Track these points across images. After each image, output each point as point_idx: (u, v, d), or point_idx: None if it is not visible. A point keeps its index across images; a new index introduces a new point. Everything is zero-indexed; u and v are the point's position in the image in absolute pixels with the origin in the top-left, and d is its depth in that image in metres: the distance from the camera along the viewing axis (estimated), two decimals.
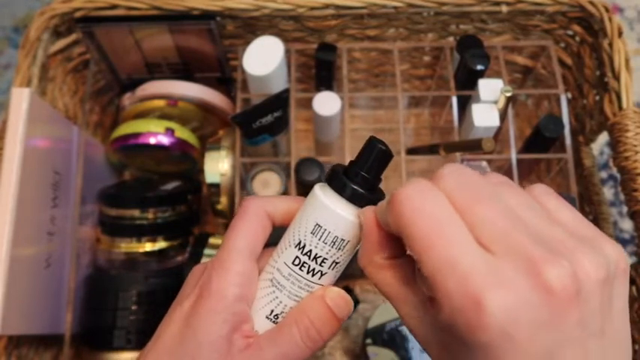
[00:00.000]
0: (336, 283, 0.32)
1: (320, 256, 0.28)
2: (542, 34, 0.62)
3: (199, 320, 0.28)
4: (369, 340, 0.59)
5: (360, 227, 0.27)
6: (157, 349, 0.29)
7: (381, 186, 0.30)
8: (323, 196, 0.28)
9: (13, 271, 0.45)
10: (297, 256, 0.29)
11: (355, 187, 0.27)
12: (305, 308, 0.29)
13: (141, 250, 0.56)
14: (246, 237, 0.29)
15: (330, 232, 0.27)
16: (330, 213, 0.27)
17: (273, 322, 0.30)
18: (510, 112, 0.56)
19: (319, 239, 0.28)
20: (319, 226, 0.28)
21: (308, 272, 0.29)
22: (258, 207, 0.30)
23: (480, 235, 0.21)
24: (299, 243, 0.28)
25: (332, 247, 0.28)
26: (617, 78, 0.52)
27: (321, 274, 0.29)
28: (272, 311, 0.30)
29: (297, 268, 0.29)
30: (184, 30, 0.56)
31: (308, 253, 0.28)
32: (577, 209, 0.52)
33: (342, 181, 0.27)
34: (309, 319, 0.29)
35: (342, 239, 0.28)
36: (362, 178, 0.27)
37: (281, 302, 0.30)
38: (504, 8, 0.57)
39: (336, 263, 0.29)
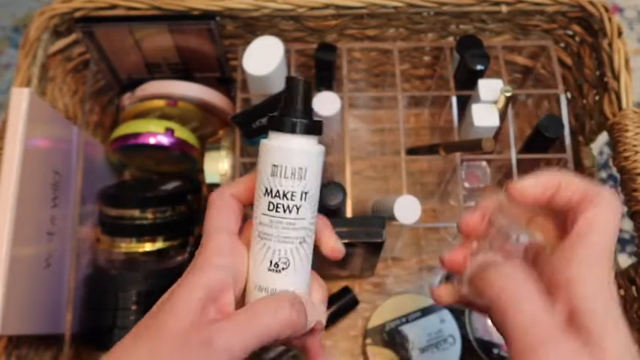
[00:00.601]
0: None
1: (288, 191, 0.31)
2: (542, 34, 0.62)
3: (177, 290, 0.30)
4: (369, 340, 0.59)
5: (315, 154, 0.31)
6: (140, 322, 0.31)
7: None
8: (267, 140, 0.31)
9: (13, 271, 0.45)
10: (269, 202, 0.31)
11: (292, 119, 0.30)
12: (274, 303, 0.31)
13: (141, 250, 0.56)
14: (218, 219, 0.33)
15: (286, 167, 0.30)
16: (278, 150, 0.30)
17: (276, 271, 0.32)
18: (510, 112, 0.56)
19: (280, 176, 0.30)
20: (275, 165, 0.31)
21: (285, 211, 0.31)
22: (221, 193, 0.34)
23: None
24: (266, 189, 0.31)
25: (293, 178, 0.30)
26: (616, 78, 0.52)
27: (297, 209, 0.31)
28: (271, 262, 0.32)
29: (274, 212, 0.31)
30: (184, 30, 0.56)
31: (277, 194, 0.31)
32: None
33: (277, 119, 0.31)
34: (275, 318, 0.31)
35: (299, 168, 0.30)
36: (294, 111, 0.31)
37: (275, 250, 0.32)
38: (504, 8, 0.57)
39: (305, 193, 0.31)
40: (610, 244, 0.29)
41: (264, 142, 0.32)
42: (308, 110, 0.31)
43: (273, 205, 0.31)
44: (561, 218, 0.31)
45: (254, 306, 0.31)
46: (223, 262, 0.31)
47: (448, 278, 0.62)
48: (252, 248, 0.33)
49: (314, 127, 0.31)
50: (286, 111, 0.31)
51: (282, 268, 0.32)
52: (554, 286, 0.28)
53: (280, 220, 0.31)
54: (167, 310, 0.29)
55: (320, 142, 0.33)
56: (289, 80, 0.31)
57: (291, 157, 0.30)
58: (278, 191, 0.31)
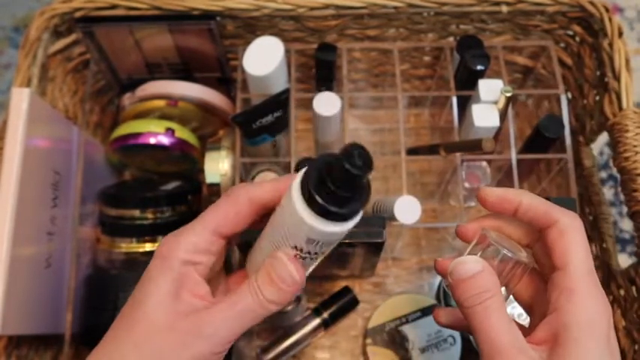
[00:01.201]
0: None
1: (316, 253, 0.31)
2: (542, 34, 0.62)
3: (148, 277, 0.31)
4: (369, 340, 0.59)
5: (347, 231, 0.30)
6: (118, 317, 0.31)
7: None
8: (305, 211, 0.28)
9: (13, 271, 0.45)
10: (296, 254, 0.31)
11: (337, 210, 0.27)
12: (257, 273, 0.32)
13: (141, 250, 0.55)
14: (215, 215, 0.32)
15: (323, 243, 0.30)
16: (317, 231, 0.28)
17: None
18: (510, 112, 0.56)
19: (315, 245, 0.30)
20: (312, 239, 0.29)
21: (304, 259, 0.32)
22: (242, 192, 0.33)
23: None
24: (296, 247, 0.30)
25: (328, 246, 0.31)
26: (617, 78, 0.52)
27: (317, 259, 0.33)
28: None
29: (297, 256, 0.32)
30: (184, 30, 0.56)
31: (307, 253, 0.31)
32: (577, 210, 0.52)
33: (324, 207, 0.27)
34: (257, 280, 0.31)
35: (329, 243, 0.31)
36: (334, 195, 0.27)
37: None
38: (504, 8, 0.57)
39: (324, 253, 0.32)
40: (590, 265, 0.31)
41: (302, 216, 0.28)
42: (352, 197, 0.28)
43: (300, 256, 0.31)
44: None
45: (237, 291, 0.31)
46: (195, 259, 0.32)
47: None
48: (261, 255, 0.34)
49: (357, 212, 0.29)
50: (331, 193, 0.27)
51: (301, 266, 0.33)
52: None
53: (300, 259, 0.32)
54: (142, 303, 0.30)
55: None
56: (339, 161, 0.25)
57: (330, 238, 0.30)
58: (309, 252, 0.31)
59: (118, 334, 0.30)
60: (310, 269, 0.34)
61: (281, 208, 0.30)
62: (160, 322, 0.29)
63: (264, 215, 0.34)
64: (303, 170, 0.28)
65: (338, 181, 0.26)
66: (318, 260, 0.33)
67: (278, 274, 0.31)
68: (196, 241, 0.32)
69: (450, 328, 0.40)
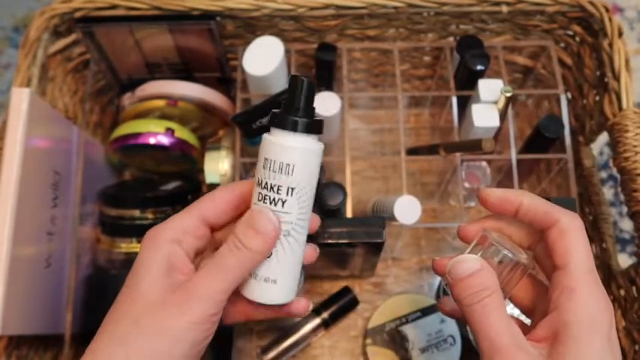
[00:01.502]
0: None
1: (274, 185, 0.32)
2: (542, 34, 0.62)
3: (140, 260, 0.32)
4: (369, 340, 0.59)
5: (307, 152, 0.32)
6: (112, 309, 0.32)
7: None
8: (267, 134, 0.33)
9: (13, 271, 0.45)
10: (259, 192, 0.33)
11: (287, 116, 0.32)
12: (234, 227, 0.33)
13: None
14: (201, 203, 0.35)
15: (274, 161, 0.32)
16: (271, 144, 0.32)
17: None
18: (510, 112, 0.56)
19: (269, 170, 0.32)
20: (266, 159, 0.32)
21: (271, 203, 0.32)
22: (229, 186, 0.35)
23: None
24: (258, 180, 0.33)
25: (280, 173, 0.32)
26: (617, 78, 0.52)
27: (282, 202, 0.32)
28: None
29: (261, 203, 0.33)
30: (184, 30, 0.56)
31: (265, 186, 0.32)
32: (577, 210, 0.52)
33: (277, 116, 0.32)
34: (236, 233, 0.32)
35: (287, 164, 0.32)
36: (291, 109, 0.32)
37: None
38: (504, 8, 0.57)
39: (292, 189, 0.32)
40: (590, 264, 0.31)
41: (264, 135, 0.33)
42: (307, 109, 0.32)
43: (262, 195, 0.32)
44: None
45: (219, 251, 0.32)
46: (180, 238, 0.34)
47: None
48: None
49: (312, 125, 0.32)
50: (286, 108, 0.32)
51: (277, 219, 0.33)
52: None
53: None
54: (136, 284, 0.32)
55: (319, 141, 0.33)
56: (292, 78, 0.32)
57: (280, 153, 0.32)
58: (267, 184, 0.32)
59: (116, 316, 0.31)
60: (299, 249, 0.34)
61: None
62: (154, 298, 0.31)
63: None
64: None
65: (293, 94, 0.32)
66: (297, 234, 0.33)
67: (256, 221, 0.32)
68: (182, 223, 0.34)
69: (452, 316, 0.39)
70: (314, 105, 0.32)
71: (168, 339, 0.30)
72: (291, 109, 0.32)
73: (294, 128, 0.32)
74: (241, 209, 0.35)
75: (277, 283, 0.34)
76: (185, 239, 0.33)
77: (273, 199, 0.32)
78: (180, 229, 0.33)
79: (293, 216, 0.33)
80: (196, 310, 0.30)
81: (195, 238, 0.34)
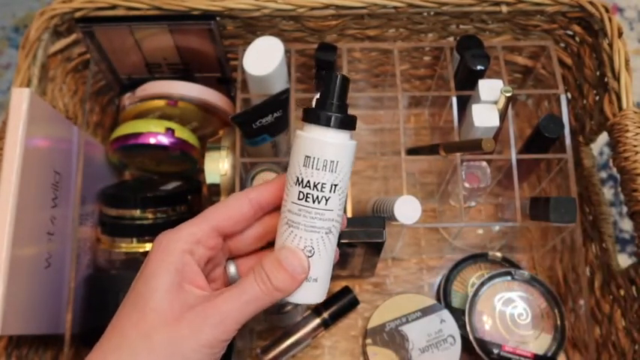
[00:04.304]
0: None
1: (318, 182, 0.32)
2: (542, 34, 0.62)
3: (150, 270, 0.31)
4: (369, 340, 0.59)
5: (347, 148, 0.32)
6: (118, 309, 0.32)
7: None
8: (302, 132, 0.32)
9: (13, 271, 0.45)
10: (299, 191, 0.32)
11: (327, 112, 0.31)
12: (263, 258, 0.33)
13: (141, 250, 0.55)
14: (217, 212, 0.34)
15: (318, 158, 0.31)
16: (312, 141, 0.31)
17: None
18: (510, 112, 0.56)
19: (312, 168, 0.31)
20: (308, 157, 0.31)
21: (314, 201, 0.32)
22: (242, 194, 0.34)
23: None
24: (297, 179, 0.32)
25: (325, 170, 0.31)
26: (617, 78, 0.52)
27: (326, 200, 0.32)
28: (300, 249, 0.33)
29: (303, 202, 0.32)
30: (184, 30, 0.56)
31: (307, 184, 0.32)
32: (577, 209, 0.52)
33: (315, 112, 0.32)
34: (264, 268, 0.32)
35: (331, 161, 0.31)
36: (330, 105, 0.32)
37: (302, 237, 0.32)
38: (504, 8, 0.57)
39: (335, 185, 0.32)
40: None
41: (299, 132, 0.32)
42: (343, 105, 0.32)
43: (303, 194, 0.32)
44: None
45: (243, 281, 0.32)
46: (193, 249, 0.33)
47: (448, 280, 0.62)
48: (279, 236, 0.34)
49: (348, 121, 0.32)
50: (322, 104, 0.32)
51: (307, 257, 0.33)
52: None
53: (309, 210, 0.32)
54: (147, 296, 0.31)
55: (352, 138, 0.33)
56: (328, 74, 0.32)
57: (324, 150, 0.31)
58: (309, 182, 0.32)
59: (123, 327, 0.30)
60: (331, 251, 0.34)
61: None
62: (167, 313, 0.30)
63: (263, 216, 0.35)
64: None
65: (331, 91, 0.32)
66: (333, 236, 0.33)
67: (289, 262, 0.31)
68: (195, 232, 0.33)
69: None
70: (347, 101, 0.33)
71: (179, 358, 0.29)
72: (330, 106, 0.32)
73: (336, 125, 0.32)
74: (257, 216, 0.35)
75: (318, 282, 0.33)
76: (197, 250, 0.33)
77: (317, 197, 0.32)
78: (194, 239, 0.32)
79: (334, 213, 0.33)
80: (209, 336, 0.30)
81: (207, 248, 0.33)
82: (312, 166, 0.31)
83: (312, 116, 0.32)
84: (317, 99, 0.32)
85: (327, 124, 0.31)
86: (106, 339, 0.31)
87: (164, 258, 0.31)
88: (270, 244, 0.36)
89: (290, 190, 0.33)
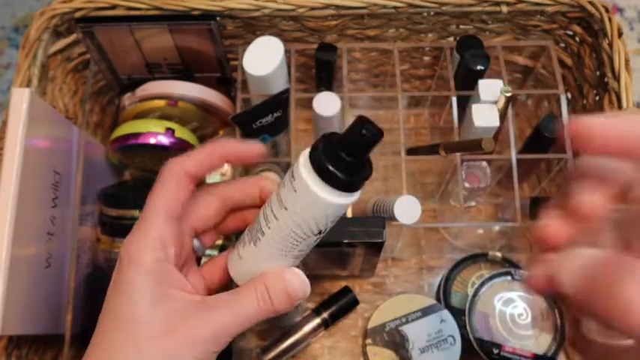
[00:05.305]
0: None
1: (326, 229, 0.31)
2: (542, 34, 0.62)
3: (127, 283, 0.30)
4: (369, 340, 0.59)
5: (347, 205, 0.29)
6: (97, 327, 0.31)
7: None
8: (323, 193, 0.28)
9: (13, 271, 0.45)
10: (293, 231, 0.30)
11: (353, 178, 0.28)
12: (266, 277, 0.32)
13: None
14: (163, 199, 0.32)
15: (333, 219, 0.30)
16: (340, 207, 0.29)
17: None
18: (510, 112, 0.56)
19: (331, 221, 0.30)
20: (329, 215, 0.29)
21: (299, 241, 0.31)
22: (176, 168, 0.33)
23: None
24: (319, 231, 0.30)
25: (334, 221, 0.31)
26: (617, 78, 0.52)
27: (311, 242, 0.32)
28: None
29: (291, 238, 0.31)
30: (184, 30, 0.56)
31: (319, 232, 0.31)
32: None
33: (343, 179, 0.28)
34: (269, 290, 0.31)
35: (338, 217, 0.30)
36: (360, 168, 0.28)
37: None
38: (504, 8, 0.57)
39: (322, 231, 0.31)
40: None
41: (320, 195, 0.28)
42: (365, 162, 0.29)
43: (295, 233, 0.31)
44: None
45: (241, 297, 0.31)
46: (166, 254, 0.31)
47: (448, 280, 0.62)
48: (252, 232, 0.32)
49: (364, 181, 0.29)
50: (354, 167, 0.28)
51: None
52: None
53: (296, 245, 0.31)
54: (131, 308, 0.30)
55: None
56: (361, 136, 0.27)
57: (342, 210, 0.30)
58: (320, 231, 0.30)
59: (113, 340, 0.29)
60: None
61: (284, 210, 0.30)
62: (156, 326, 0.29)
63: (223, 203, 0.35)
64: (306, 154, 0.29)
65: (352, 150, 0.27)
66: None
67: (294, 288, 0.31)
68: (156, 236, 0.31)
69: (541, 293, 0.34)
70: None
71: None
72: (356, 168, 0.28)
73: (358, 189, 0.29)
74: (193, 186, 0.33)
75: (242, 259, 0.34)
76: (167, 252, 0.31)
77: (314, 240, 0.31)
78: (160, 244, 0.31)
79: (309, 248, 0.32)
80: (202, 348, 0.30)
81: (171, 245, 0.32)
82: (333, 221, 0.30)
83: (344, 184, 0.28)
84: (345, 157, 0.27)
85: (355, 190, 0.29)
86: (95, 349, 0.30)
87: (139, 268, 0.30)
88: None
89: (302, 235, 0.30)
